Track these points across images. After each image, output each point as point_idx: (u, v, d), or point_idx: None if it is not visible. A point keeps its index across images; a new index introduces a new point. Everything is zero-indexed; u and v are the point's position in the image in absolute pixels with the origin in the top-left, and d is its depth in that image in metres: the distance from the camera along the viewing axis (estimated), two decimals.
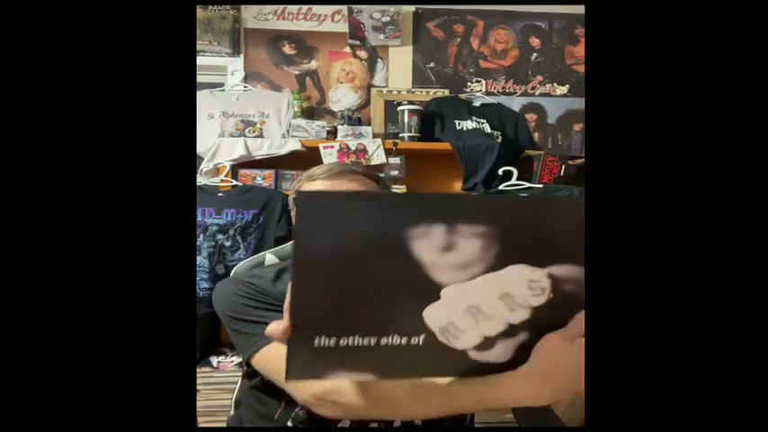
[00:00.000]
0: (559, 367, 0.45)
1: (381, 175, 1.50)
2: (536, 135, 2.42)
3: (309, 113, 2.26)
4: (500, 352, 0.46)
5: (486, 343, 0.45)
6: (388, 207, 0.44)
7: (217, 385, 1.76)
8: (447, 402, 0.51)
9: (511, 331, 0.45)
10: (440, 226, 0.43)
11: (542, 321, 0.45)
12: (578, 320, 0.46)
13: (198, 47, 2.25)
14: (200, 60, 2.25)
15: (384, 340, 0.44)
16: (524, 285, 0.44)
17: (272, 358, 0.70)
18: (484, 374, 0.46)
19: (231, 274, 1.01)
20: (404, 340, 0.44)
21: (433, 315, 0.44)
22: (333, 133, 2.08)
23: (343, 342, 0.43)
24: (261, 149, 2.02)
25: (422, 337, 0.44)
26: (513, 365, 0.46)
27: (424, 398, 0.52)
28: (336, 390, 0.55)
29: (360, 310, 0.43)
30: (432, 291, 0.43)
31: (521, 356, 0.46)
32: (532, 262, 0.44)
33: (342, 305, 0.43)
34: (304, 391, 0.61)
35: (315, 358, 0.43)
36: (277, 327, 0.44)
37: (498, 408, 0.49)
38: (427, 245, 0.43)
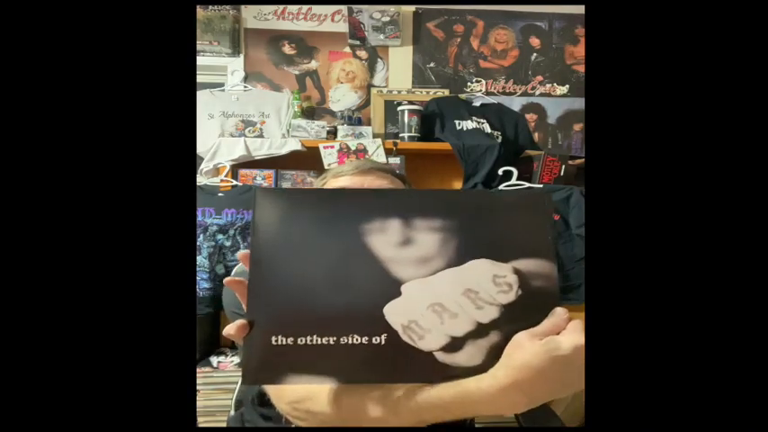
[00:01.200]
0: (529, 371, 0.40)
1: None
2: (536, 135, 2.42)
3: (309, 113, 2.26)
4: (470, 354, 0.42)
5: (454, 344, 0.42)
6: (344, 202, 0.44)
7: (217, 385, 1.76)
8: (417, 414, 0.46)
9: (480, 331, 0.42)
10: (395, 220, 0.43)
11: (514, 321, 0.42)
12: (552, 318, 0.42)
13: (198, 47, 2.25)
14: (200, 60, 2.25)
15: (344, 339, 0.41)
16: (489, 280, 0.42)
17: None
18: (454, 379, 0.42)
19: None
20: (365, 339, 0.42)
21: (394, 312, 0.42)
22: (333, 133, 2.08)
23: (301, 341, 0.41)
24: (261, 149, 2.02)
25: (383, 337, 0.42)
26: (484, 371, 0.42)
27: (393, 409, 0.47)
28: (310, 397, 0.52)
29: (317, 306, 0.42)
30: (392, 286, 0.42)
31: (492, 360, 0.42)
32: (495, 256, 0.43)
33: (299, 301, 0.42)
34: (281, 400, 0.57)
35: (272, 358, 0.41)
36: (234, 324, 0.42)
37: (472, 417, 0.45)
38: (384, 239, 0.43)
